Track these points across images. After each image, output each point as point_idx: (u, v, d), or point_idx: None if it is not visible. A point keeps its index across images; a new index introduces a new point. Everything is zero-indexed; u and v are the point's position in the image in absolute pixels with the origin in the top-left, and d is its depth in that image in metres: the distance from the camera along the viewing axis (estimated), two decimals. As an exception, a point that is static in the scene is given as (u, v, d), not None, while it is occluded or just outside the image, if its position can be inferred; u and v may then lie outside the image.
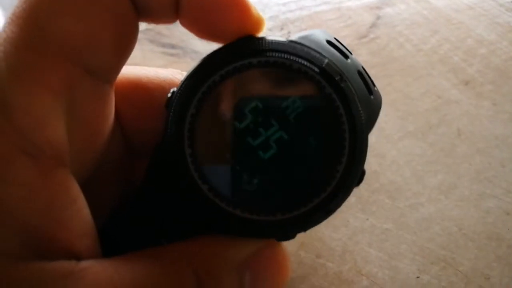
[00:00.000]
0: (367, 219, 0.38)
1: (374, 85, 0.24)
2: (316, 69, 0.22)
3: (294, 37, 0.23)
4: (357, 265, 0.35)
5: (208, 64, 0.22)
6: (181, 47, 0.56)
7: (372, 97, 0.24)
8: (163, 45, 0.56)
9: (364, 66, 0.25)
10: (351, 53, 0.24)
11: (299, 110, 0.22)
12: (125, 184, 0.27)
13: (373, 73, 0.52)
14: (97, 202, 0.22)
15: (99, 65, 0.21)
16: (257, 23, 0.23)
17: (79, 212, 0.20)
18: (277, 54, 0.22)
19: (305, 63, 0.22)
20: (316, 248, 0.36)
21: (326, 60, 0.22)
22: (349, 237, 0.37)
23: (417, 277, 0.35)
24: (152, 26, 0.58)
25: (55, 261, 0.18)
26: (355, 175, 0.22)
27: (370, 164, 0.43)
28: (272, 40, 0.22)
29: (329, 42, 0.24)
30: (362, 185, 0.40)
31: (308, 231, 0.36)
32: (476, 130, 0.46)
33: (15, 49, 0.19)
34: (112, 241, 0.22)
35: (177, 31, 0.57)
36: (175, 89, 0.23)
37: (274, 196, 0.22)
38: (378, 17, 0.62)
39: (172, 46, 0.56)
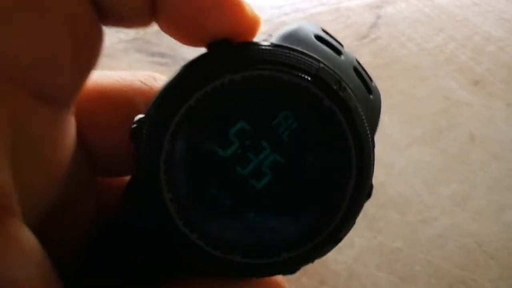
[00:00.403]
0: (375, 237, 0.35)
1: (371, 80, 0.21)
2: (310, 79, 0.18)
3: (277, 37, 0.20)
4: (366, 291, 0.32)
5: (179, 85, 0.19)
6: (170, 56, 0.54)
7: (371, 96, 0.21)
8: (152, 54, 0.54)
9: (358, 59, 0.21)
10: (342, 46, 0.21)
11: (293, 127, 0.19)
12: (96, 206, 0.24)
13: (375, 74, 0.50)
14: (66, 231, 0.20)
15: (54, 90, 0.17)
16: (252, 25, 0.19)
17: (37, 271, 0.17)
18: (262, 66, 0.18)
19: (296, 73, 0.18)
20: (319, 273, 0.33)
21: (320, 65, 0.19)
22: (355, 259, 0.34)
23: (434, 302, 0.32)
24: (140, 34, 0.56)
25: None
26: (363, 194, 0.19)
27: (376, 175, 0.40)
28: (254, 48, 0.19)
29: (317, 37, 0.20)
30: (367, 199, 0.38)
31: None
32: (490, 133, 0.43)
33: None
34: (89, 274, 0.20)
35: (166, 39, 0.54)
36: (140, 116, 0.19)
37: (275, 232, 0.19)
38: (379, 17, 0.60)
39: (162, 55, 0.54)
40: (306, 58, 0.18)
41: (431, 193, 0.38)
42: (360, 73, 0.20)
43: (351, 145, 0.18)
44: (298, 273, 0.32)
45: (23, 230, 0.17)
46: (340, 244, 0.34)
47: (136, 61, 0.54)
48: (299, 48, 0.19)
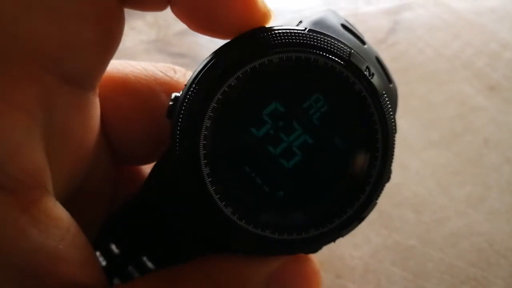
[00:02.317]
0: (390, 235, 0.36)
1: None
2: (343, 63, 0.19)
3: (307, 22, 0.21)
4: (381, 285, 0.33)
5: (218, 65, 0.19)
6: (190, 56, 0.54)
7: (391, 85, 0.21)
8: (172, 55, 0.55)
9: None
10: (363, 37, 0.22)
11: (323, 109, 0.19)
12: (112, 194, 0.25)
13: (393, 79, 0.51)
14: (85, 214, 0.20)
15: (81, 72, 0.18)
16: (263, 17, 0.20)
17: (74, 241, 0.18)
18: (298, 49, 0.19)
19: (331, 56, 0.19)
20: (336, 267, 0.34)
21: (352, 51, 0.19)
22: (371, 255, 0.35)
23: (446, 297, 0.33)
24: (161, 36, 0.57)
25: None
26: (387, 176, 0.20)
27: (393, 176, 0.41)
28: (289, 32, 0.19)
29: (343, 25, 0.21)
30: (384, 198, 0.38)
31: (327, 249, 0.34)
32: (504, 138, 0.44)
33: None
34: (107, 248, 0.21)
35: (186, 40, 0.56)
36: (177, 94, 0.20)
37: (304, 209, 0.20)
38: (396, 22, 0.60)
39: (182, 56, 0.55)
40: (338, 43, 0.19)
41: (445, 194, 0.39)
42: (381, 63, 0.21)
43: (378, 128, 0.19)
44: (316, 267, 0.33)
45: (59, 207, 0.18)
46: (357, 241, 0.36)
47: (157, 62, 0.56)
48: (331, 34, 0.20)
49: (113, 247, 0.23)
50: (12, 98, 0.16)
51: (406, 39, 0.58)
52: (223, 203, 0.19)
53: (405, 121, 0.46)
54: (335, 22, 0.21)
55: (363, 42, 0.21)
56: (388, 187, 0.37)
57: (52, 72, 0.17)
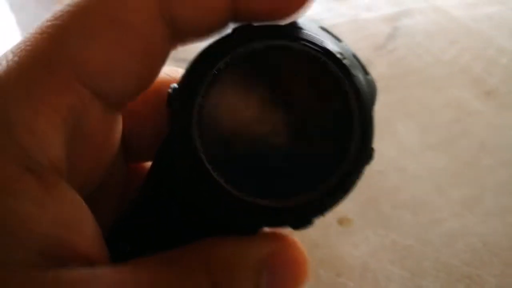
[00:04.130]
0: (389, 235, 0.38)
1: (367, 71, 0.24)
2: (318, 48, 0.21)
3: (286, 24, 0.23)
4: (379, 283, 0.34)
5: (209, 52, 0.22)
6: None
7: (369, 77, 0.24)
8: (178, 60, 0.56)
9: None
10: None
11: (304, 90, 0.21)
12: (124, 192, 0.26)
13: (392, 84, 0.52)
14: (100, 215, 0.22)
15: (114, 94, 0.20)
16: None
17: (86, 220, 0.19)
18: (278, 38, 0.21)
19: (306, 43, 0.21)
20: (336, 266, 0.36)
21: (325, 40, 0.22)
22: (370, 254, 0.36)
23: (442, 295, 0.34)
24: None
25: (71, 268, 0.18)
26: (366, 150, 0.21)
27: (391, 178, 0.42)
28: (271, 25, 0.22)
29: (321, 27, 0.23)
30: (382, 200, 0.40)
31: (327, 248, 0.36)
32: (499, 141, 0.45)
33: (29, 61, 0.18)
34: (117, 248, 0.22)
35: (191, 46, 0.57)
36: (175, 85, 0.22)
37: (290, 180, 0.21)
38: (396, 29, 0.62)
39: (186, 61, 0.56)
40: (314, 34, 0.22)
41: (442, 196, 0.40)
42: (358, 59, 0.23)
43: (354, 105, 0.21)
44: (316, 266, 0.34)
45: (75, 193, 0.19)
46: (356, 240, 0.37)
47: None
48: (307, 30, 0.22)
49: (124, 245, 0.24)
50: (51, 102, 0.18)
51: (406, 45, 0.59)
52: (217, 173, 0.21)
53: (403, 125, 0.47)
54: (314, 24, 0.23)
55: (340, 40, 0.23)
56: (387, 189, 0.39)
57: (89, 88, 0.19)
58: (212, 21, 0.21)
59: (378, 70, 0.54)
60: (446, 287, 0.34)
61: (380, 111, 0.50)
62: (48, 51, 0.19)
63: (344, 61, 0.21)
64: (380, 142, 0.44)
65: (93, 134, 0.21)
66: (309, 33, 0.22)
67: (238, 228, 0.21)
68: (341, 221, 0.39)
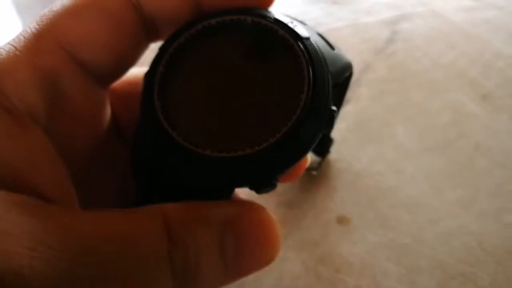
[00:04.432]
0: (386, 234, 0.39)
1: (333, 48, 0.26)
2: (269, 19, 0.23)
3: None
4: (376, 279, 0.36)
5: (175, 32, 0.24)
6: None
7: (335, 51, 0.25)
8: None
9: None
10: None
11: (258, 55, 0.23)
12: (124, 178, 0.27)
13: (391, 88, 0.53)
14: (103, 197, 0.24)
15: (91, 62, 0.23)
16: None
17: (53, 164, 0.20)
18: (231, 14, 0.24)
19: (257, 17, 0.23)
20: (336, 263, 0.37)
21: (275, 14, 0.24)
22: (367, 252, 0.37)
23: (437, 292, 0.35)
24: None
25: (20, 194, 0.17)
26: (319, 105, 0.22)
27: (389, 179, 0.43)
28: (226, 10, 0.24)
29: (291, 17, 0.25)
30: (380, 200, 0.41)
31: (327, 247, 0.37)
32: (494, 144, 0.46)
33: (21, 33, 0.21)
34: None
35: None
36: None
37: (246, 135, 0.22)
38: (395, 32, 0.63)
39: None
40: (265, 11, 0.24)
41: (438, 196, 0.42)
42: (322, 36, 0.25)
43: (305, 64, 0.22)
44: (315, 263, 0.36)
45: (48, 139, 0.20)
46: (355, 239, 0.38)
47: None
48: (269, 12, 0.24)
49: None
50: (34, 60, 0.21)
51: (404, 49, 0.60)
52: (171, 128, 0.22)
53: (401, 128, 0.48)
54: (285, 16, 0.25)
55: (303, 23, 0.25)
56: (385, 189, 0.40)
57: (70, 54, 0.22)
58: (177, 8, 0.24)
59: (378, 74, 0.55)
60: (440, 283, 0.35)
61: (380, 114, 0.52)
62: (37, 25, 0.22)
63: (291, 25, 0.23)
64: (379, 144, 0.47)
65: (75, 100, 0.23)
66: (266, 12, 0.24)
67: (207, 193, 0.22)
68: (340, 221, 0.40)
